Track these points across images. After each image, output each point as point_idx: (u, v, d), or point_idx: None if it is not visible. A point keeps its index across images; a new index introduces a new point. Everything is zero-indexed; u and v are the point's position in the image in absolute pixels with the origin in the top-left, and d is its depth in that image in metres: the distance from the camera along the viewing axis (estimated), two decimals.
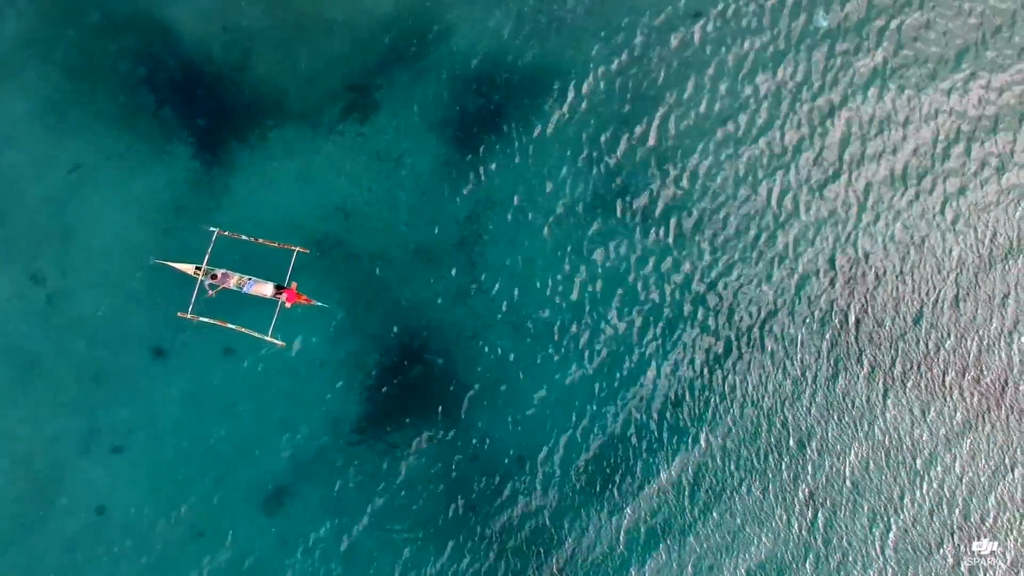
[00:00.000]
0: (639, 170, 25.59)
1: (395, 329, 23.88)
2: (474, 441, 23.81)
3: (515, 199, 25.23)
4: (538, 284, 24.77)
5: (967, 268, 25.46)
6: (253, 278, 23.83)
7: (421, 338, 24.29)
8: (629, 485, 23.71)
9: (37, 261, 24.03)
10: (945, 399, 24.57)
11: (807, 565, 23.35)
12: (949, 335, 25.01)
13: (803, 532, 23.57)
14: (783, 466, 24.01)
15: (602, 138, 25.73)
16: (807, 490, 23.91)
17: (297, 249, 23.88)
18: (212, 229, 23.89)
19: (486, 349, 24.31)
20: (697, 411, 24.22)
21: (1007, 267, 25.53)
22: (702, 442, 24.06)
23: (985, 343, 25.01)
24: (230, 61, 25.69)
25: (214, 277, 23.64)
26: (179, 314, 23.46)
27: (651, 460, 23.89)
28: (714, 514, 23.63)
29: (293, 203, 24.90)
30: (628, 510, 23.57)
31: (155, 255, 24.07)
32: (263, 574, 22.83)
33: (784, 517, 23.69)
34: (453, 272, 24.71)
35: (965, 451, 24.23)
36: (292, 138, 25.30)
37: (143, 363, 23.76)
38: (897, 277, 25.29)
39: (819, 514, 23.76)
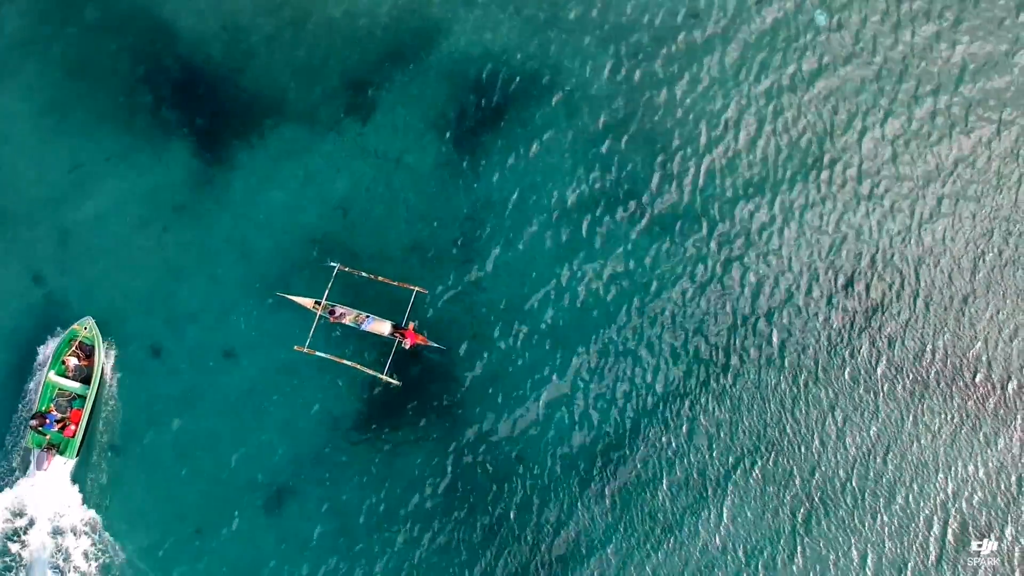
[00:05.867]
0: (638, 168, 25.50)
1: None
2: (473, 439, 23.79)
3: (514, 198, 25.19)
4: (537, 282, 24.74)
5: (973, 262, 25.43)
6: (371, 315, 23.72)
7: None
8: (628, 482, 23.68)
9: (37, 260, 24.15)
10: (945, 396, 24.45)
11: (803, 564, 23.29)
12: (950, 331, 24.89)
13: (799, 531, 23.51)
14: (781, 465, 23.95)
15: (601, 136, 25.66)
16: (804, 488, 23.83)
17: (416, 289, 23.80)
18: (333, 264, 23.86)
19: (485, 347, 24.28)
20: (697, 409, 24.16)
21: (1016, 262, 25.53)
22: (702, 440, 24.02)
23: (986, 340, 24.86)
24: (229, 60, 25.73)
25: (332, 313, 23.57)
26: (296, 347, 23.47)
27: (650, 457, 23.83)
28: (712, 512, 23.57)
29: (292, 202, 24.94)
30: (628, 507, 23.54)
31: (275, 289, 24.09)
32: (262, 573, 22.88)
33: (781, 515, 23.64)
34: (452, 270, 24.69)
35: (965, 450, 24.10)
36: (291, 137, 25.34)
37: (142, 362, 23.82)
38: (900, 272, 25.24)
39: (815, 513, 23.70)
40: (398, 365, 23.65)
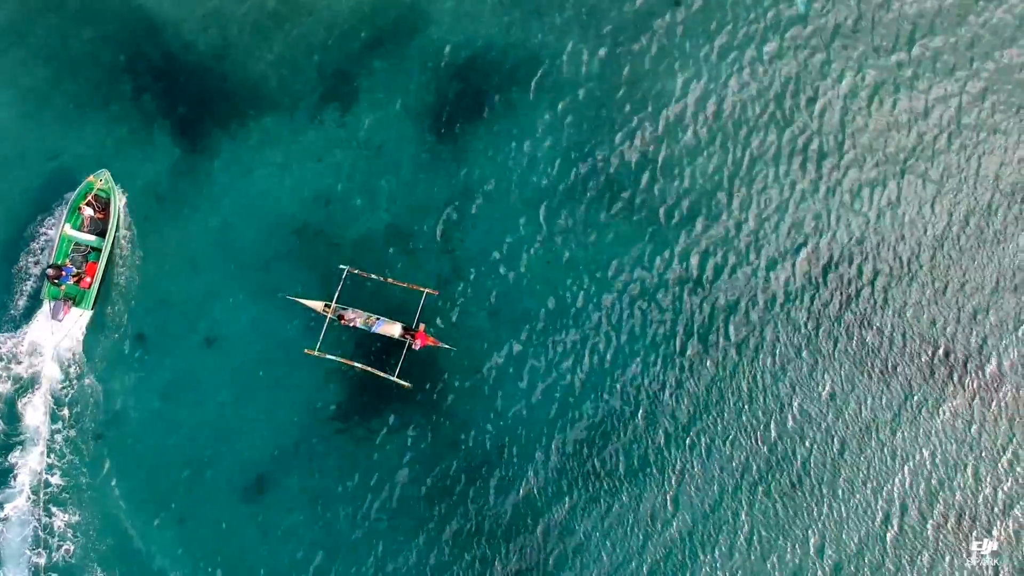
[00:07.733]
0: (621, 158, 25.22)
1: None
2: (455, 430, 23.67)
3: (496, 187, 24.99)
4: (519, 272, 24.55)
5: (966, 255, 24.93)
6: (382, 318, 23.71)
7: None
8: (612, 475, 23.46)
9: (17, 251, 24.28)
10: (945, 395, 23.96)
11: (803, 563, 22.91)
12: (947, 327, 24.41)
13: (797, 528, 23.14)
14: (773, 460, 23.56)
15: (583, 126, 25.40)
16: (799, 485, 23.44)
17: (427, 291, 23.81)
18: (343, 267, 23.88)
19: (466, 337, 24.10)
20: (682, 400, 23.87)
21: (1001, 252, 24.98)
22: (687, 432, 23.70)
23: (986, 338, 24.35)
24: (210, 49, 25.77)
25: (341, 317, 23.60)
26: (306, 351, 23.52)
27: (634, 449, 23.59)
28: (697, 505, 23.28)
29: (274, 191, 24.91)
30: (611, 500, 23.31)
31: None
32: (244, 562, 22.92)
33: (776, 513, 23.26)
34: (433, 260, 24.55)
35: (965, 449, 23.66)
36: (272, 126, 25.31)
37: (124, 351, 23.93)
38: (889, 265, 24.81)
39: (813, 510, 23.30)
40: (384, 358, 23.68)
